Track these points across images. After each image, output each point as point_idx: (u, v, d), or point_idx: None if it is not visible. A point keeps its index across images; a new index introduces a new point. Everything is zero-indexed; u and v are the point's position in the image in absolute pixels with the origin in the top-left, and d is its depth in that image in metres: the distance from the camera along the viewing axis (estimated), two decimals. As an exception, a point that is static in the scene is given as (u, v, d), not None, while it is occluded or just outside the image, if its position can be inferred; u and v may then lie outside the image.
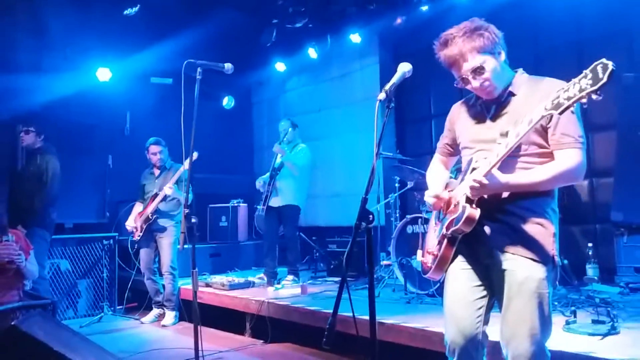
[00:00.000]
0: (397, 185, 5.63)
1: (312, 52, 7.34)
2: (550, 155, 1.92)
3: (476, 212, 1.88)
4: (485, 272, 2.02)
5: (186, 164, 4.59)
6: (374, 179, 1.95)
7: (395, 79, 2.02)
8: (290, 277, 5.54)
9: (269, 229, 5.70)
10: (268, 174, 5.62)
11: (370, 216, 1.87)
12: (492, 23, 1.99)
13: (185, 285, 5.39)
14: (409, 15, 6.44)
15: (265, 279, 5.54)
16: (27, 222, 4.24)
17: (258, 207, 6.06)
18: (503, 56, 1.99)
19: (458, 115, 2.20)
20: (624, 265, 4.41)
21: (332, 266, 5.94)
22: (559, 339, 2.82)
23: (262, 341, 4.54)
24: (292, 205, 5.51)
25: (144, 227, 5.20)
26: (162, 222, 5.23)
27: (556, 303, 3.72)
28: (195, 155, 4.27)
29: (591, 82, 1.50)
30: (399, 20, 6.58)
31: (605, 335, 2.92)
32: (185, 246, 3.06)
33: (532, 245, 1.90)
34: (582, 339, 2.90)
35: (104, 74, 6.69)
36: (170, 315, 5.25)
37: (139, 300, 5.77)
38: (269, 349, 4.38)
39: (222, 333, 4.93)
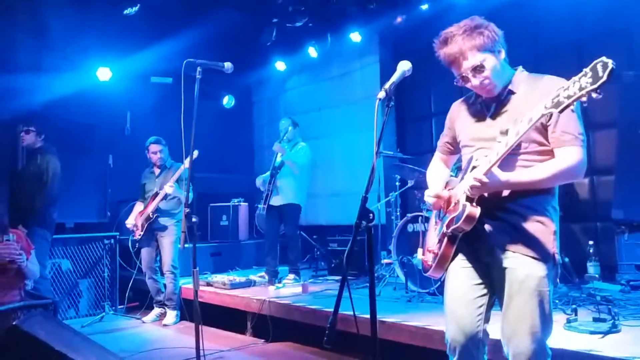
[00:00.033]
0: (397, 183, 5.63)
1: (312, 51, 7.34)
2: (550, 153, 1.91)
3: (476, 211, 1.88)
4: (485, 270, 2.03)
5: (186, 162, 4.59)
6: (375, 178, 1.95)
7: (394, 77, 2.02)
8: (291, 276, 5.54)
9: (270, 228, 5.70)
10: (268, 173, 5.62)
11: (371, 215, 1.87)
12: (492, 21, 1.99)
13: (187, 284, 5.40)
14: (409, 14, 6.44)
15: (266, 277, 5.55)
16: (28, 221, 4.25)
17: (259, 206, 6.06)
18: (503, 54, 1.98)
19: (458, 114, 2.20)
20: (625, 262, 4.40)
21: (333, 265, 5.94)
22: (559, 337, 2.82)
23: (263, 340, 4.54)
24: (292, 204, 5.51)
25: (145, 226, 5.20)
26: (163, 220, 5.23)
27: (557, 301, 3.72)
28: (195, 153, 4.27)
29: (591, 80, 1.49)
30: (399, 19, 6.58)
31: (606, 333, 2.92)
32: (186, 245, 3.07)
33: (532, 243, 1.90)
34: (583, 337, 2.90)
35: (104, 74, 6.70)
36: (171, 315, 5.26)
37: (140, 300, 5.78)
38: (270, 348, 4.38)
39: (223, 332, 4.93)
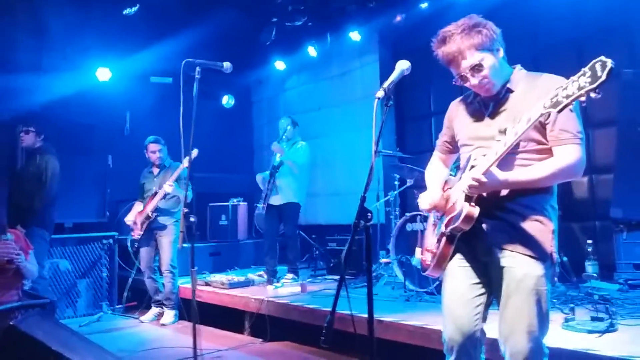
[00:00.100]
0: (396, 183, 5.63)
1: (312, 51, 7.34)
2: (549, 152, 1.91)
3: (475, 210, 1.88)
4: (483, 269, 2.02)
5: (185, 161, 4.61)
6: (373, 177, 1.95)
7: (393, 76, 2.02)
8: (290, 275, 5.54)
9: (269, 228, 5.69)
10: (268, 172, 5.62)
11: (369, 214, 1.87)
12: (491, 20, 1.98)
13: (185, 284, 5.40)
14: (408, 12, 6.44)
15: (265, 276, 5.55)
16: (27, 221, 4.24)
17: (258, 205, 6.06)
18: (501, 53, 1.97)
19: (456, 113, 2.19)
20: (624, 262, 4.39)
21: (331, 264, 5.93)
22: (557, 336, 2.82)
23: (261, 340, 4.54)
24: (292, 203, 5.50)
25: (145, 225, 5.20)
26: (162, 220, 5.23)
27: (555, 300, 3.72)
28: (195, 152, 4.29)
29: (590, 80, 1.49)
30: (398, 18, 6.57)
31: (603, 332, 2.92)
32: (185, 245, 3.07)
33: (530, 242, 1.90)
34: (580, 336, 2.90)
35: (103, 74, 6.70)
36: (169, 314, 5.26)
37: (138, 299, 5.77)
38: (268, 348, 4.38)
39: (221, 332, 4.93)
